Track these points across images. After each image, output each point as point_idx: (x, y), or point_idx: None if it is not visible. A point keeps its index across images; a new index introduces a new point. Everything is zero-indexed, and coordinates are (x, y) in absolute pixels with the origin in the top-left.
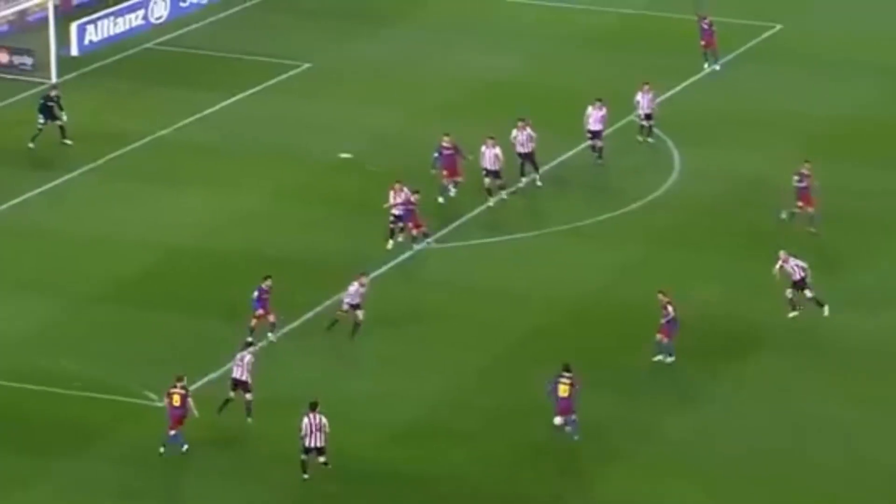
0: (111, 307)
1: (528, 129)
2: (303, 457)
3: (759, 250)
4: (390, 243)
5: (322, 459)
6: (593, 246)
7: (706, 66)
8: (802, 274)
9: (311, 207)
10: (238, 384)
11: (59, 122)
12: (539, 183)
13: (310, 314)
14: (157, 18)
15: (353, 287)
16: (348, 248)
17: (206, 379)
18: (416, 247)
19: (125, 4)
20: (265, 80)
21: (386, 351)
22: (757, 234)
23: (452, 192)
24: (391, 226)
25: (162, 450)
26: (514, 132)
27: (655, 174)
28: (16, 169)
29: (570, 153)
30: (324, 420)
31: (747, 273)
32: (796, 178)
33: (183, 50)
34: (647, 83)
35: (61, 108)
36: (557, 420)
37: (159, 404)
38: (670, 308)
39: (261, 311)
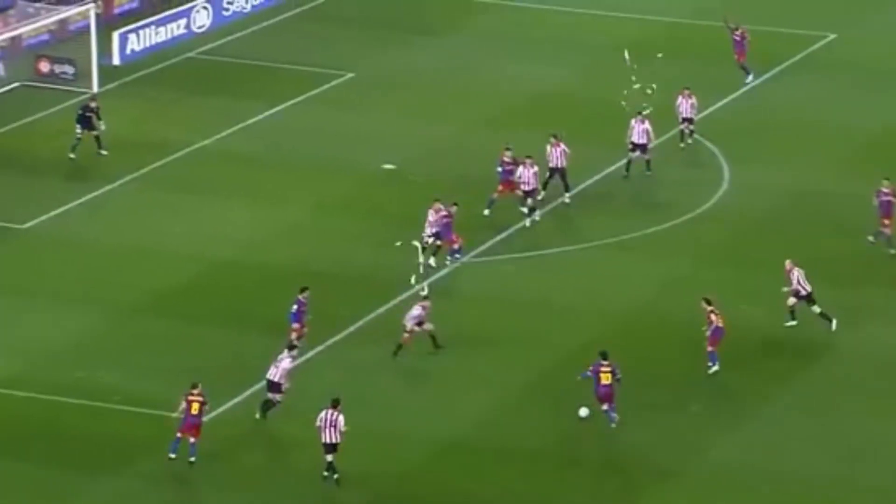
0: (152, 319)
1: (563, 146)
2: (325, 455)
3: (810, 267)
4: (424, 259)
5: (330, 458)
6: (640, 260)
7: (748, 79)
8: (809, 289)
9: (355, 220)
10: (272, 386)
11: (95, 133)
12: (567, 201)
13: (353, 328)
14: (200, 27)
15: (417, 311)
16: (392, 260)
17: (248, 392)
18: (449, 261)
19: (167, 13)
20: (308, 90)
21: (429, 366)
22: (807, 250)
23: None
24: (424, 244)
25: (173, 455)
26: (548, 148)
27: (704, 187)
28: (56, 179)
29: (617, 165)
30: (341, 418)
31: None
32: (881, 196)
33: (225, 59)
34: (687, 88)
35: (99, 119)
36: (584, 411)
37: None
38: (714, 317)
39: (297, 325)
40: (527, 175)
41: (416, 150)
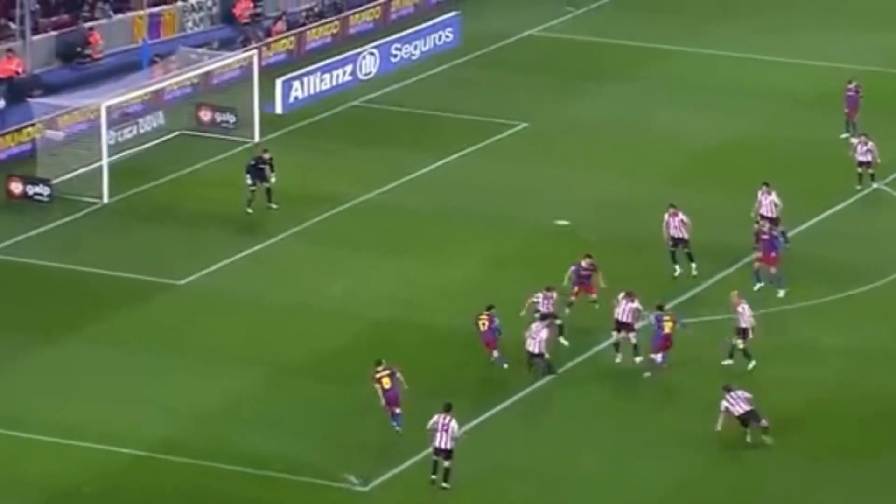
0: (310, 381)
1: (681, 215)
2: (433, 457)
3: None
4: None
5: (447, 465)
6: (829, 327)
7: (844, 135)
8: (747, 325)
9: (523, 279)
10: (533, 357)
11: (267, 185)
12: (695, 273)
13: (521, 393)
14: (366, 74)
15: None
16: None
17: (411, 461)
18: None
19: (333, 60)
20: (478, 141)
21: (601, 435)
22: None
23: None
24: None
25: (399, 428)
26: (666, 217)
27: None
28: (216, 233)
29: (805, 226)
30: (454, 424)
31: None
32: None
33: (392, 108)
34: (864, 134)
35: (273, 169)
36: (660, 357)
37: (361, 489)
38: None
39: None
40: (628, 308)
41: (591, 205)
